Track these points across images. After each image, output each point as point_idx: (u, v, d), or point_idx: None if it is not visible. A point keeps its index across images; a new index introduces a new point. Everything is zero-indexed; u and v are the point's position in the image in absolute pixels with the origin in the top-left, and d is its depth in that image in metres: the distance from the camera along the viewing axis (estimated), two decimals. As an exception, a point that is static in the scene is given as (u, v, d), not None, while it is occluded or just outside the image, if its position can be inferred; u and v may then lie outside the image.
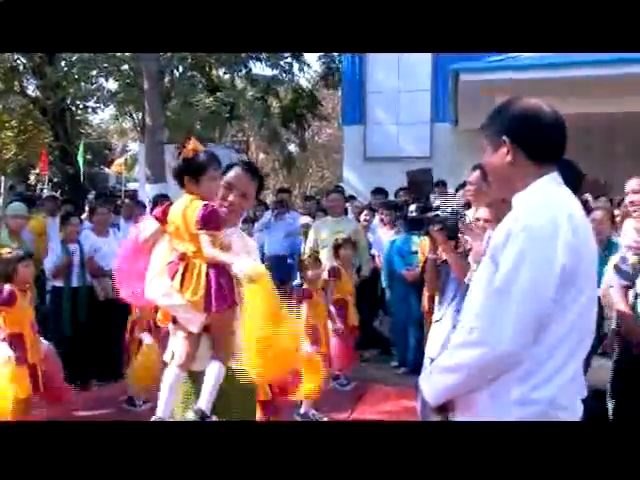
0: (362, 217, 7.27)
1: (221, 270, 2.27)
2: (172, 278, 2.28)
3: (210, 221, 2.26)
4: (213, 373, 2.28)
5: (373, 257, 6.78)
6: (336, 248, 5.46)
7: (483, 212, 2.97)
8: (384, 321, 7.05)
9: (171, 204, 2.40)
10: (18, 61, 16.30)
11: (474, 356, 1.62)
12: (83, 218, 6.51)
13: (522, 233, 1.60)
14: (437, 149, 12.78)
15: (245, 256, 2.35)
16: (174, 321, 2.36)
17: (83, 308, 5.57)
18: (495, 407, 1.63)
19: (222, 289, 2.26)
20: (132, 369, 4.47)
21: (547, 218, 1.61)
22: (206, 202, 2.30)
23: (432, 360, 3.18)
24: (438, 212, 3.20)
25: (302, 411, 4.59)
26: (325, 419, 4.61)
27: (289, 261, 7.38)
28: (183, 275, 2.26)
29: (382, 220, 7.16)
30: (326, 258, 5.52)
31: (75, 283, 5.59)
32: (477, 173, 3.58)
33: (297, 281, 5.74)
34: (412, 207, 5.24)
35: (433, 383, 1.76)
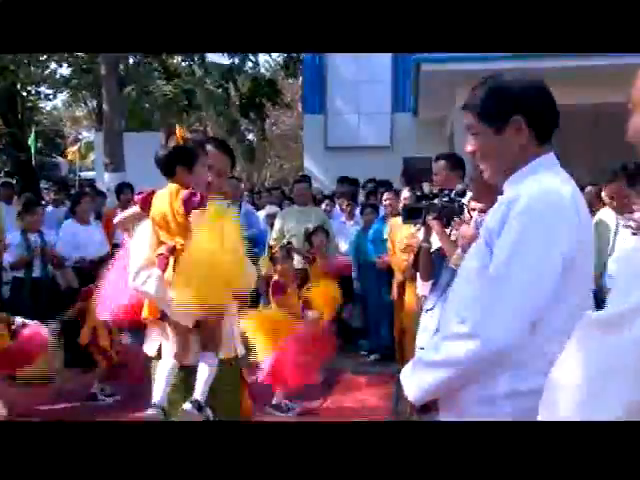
0: (322, 206, 7.28)
1: None
2: (163, 271, 2.20)
3: (193, 204, 2.18)
4: (207, 365, 2.23)
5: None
6: (308, 236, 5.43)
7: (475, 202, 2.98)
8: (351, 311, 7.05)
9: (152, 193, 2.31)
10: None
11: (465, 350, 1.47)
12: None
13: (521, 216, 1.47)
14: (397, 139, 12.88)
15: None
16: (163, 315, 2.29)
17: (44, 299, 5.40)
18: (482, 402, 1.50)
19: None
20: None
21: (549, 201, 1.48)
22: (189, 190, 2.21)
23: (423, 350, 3.19)
24: (435, 200, 3.14)
25: (274, 401, 4.56)
26: (298, 409, 4.60)
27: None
28: (174, 268, 2.18)
29: (342, 209, 7.19)
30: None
31: (36, 274, 5.41)
32: (442, 163, 3.64)
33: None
34: (405, 194, 5.24)
35: (417, 380, 1.58)
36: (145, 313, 2.29)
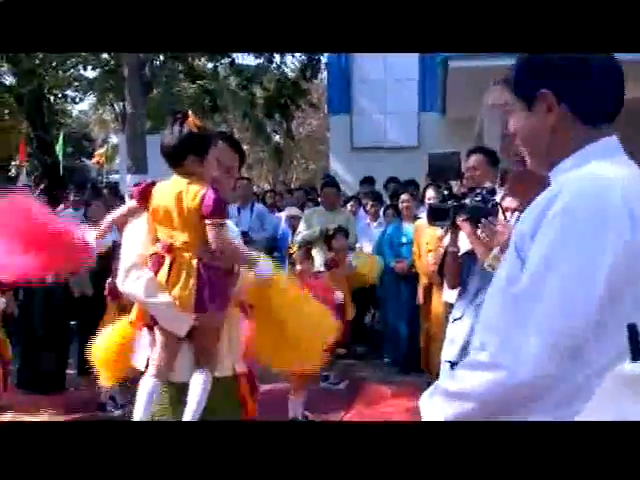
0: (348, 207, 7.04)
1: (214, 265, 2.01)
2: (156, 272, 2.00)
3: (218, 209, 1.97)
4: (199, 384, 2.00)
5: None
6: (328, 239, 5.19)
7: (511, 201, 2.71)
8: (375, 316, 6.82)
9: (152, 184, 2.08)
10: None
11: (485, 382, 1.20)
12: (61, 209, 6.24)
13: (559, 218, 1.17)
14: (425, 138, 12.57)
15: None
16: (153, 323, 2.07)
17: (58, 306, 5.25)
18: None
19: (215, 287, 2.00)
20: None
21: (596, 199, 1.18)
22: (208, 187, 2.01)
23: (451, 364, 2.93)
24: (464, 200, 2.83)
25: (291, 415, 4.30)
26: (317, 421, 4.36)
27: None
28: (170, 269, 1.97)
29: (366, 211, 6.96)
30: (316, 251, 5.27)
31: (50, 280, 5.25)
32: (479, 157, 3.34)
33: None
34: (430, 193, 4.97)
35: (435, 409, 1.34)
36: (132, 316, 2.09)
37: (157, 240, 2.04)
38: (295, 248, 4.66)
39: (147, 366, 2.10)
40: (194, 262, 1.99)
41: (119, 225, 2.27)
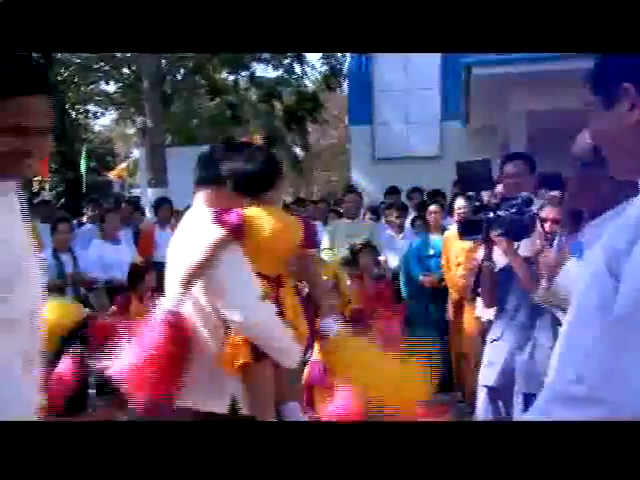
0: (366, 218, 6.87)
1: (304, 298, 2.02)
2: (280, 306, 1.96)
3: (314, 240, 1.97)
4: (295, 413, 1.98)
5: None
6: (354, 254, 4.98)
7: (550, 211, 2.51)
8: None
9: (242, 215, 1.94)
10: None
11: (584, 419, 1.04)
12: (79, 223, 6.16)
13: None
14: (448, 148, 12.35)
15: None
16: (258, 357, 1.92)
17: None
18: None
19: (311, 320, 2.03)
20: None
21: None
22: (302, 218, 2.05)
23: (488, 389, 2.72)
24: (497, 212, 2.63)
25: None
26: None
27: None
28: (283, 303, 1.93)
29: (390, 222, 6.71)
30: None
31: (68, 296, 5.15)
32: (518, 163, 3.12)
33: None
34: (460, 203, 4.75)
35: None
36: (242, 359, 1.91)
37: (259, 275, 1.94)
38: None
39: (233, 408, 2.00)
40: (296, 294, 1.99)
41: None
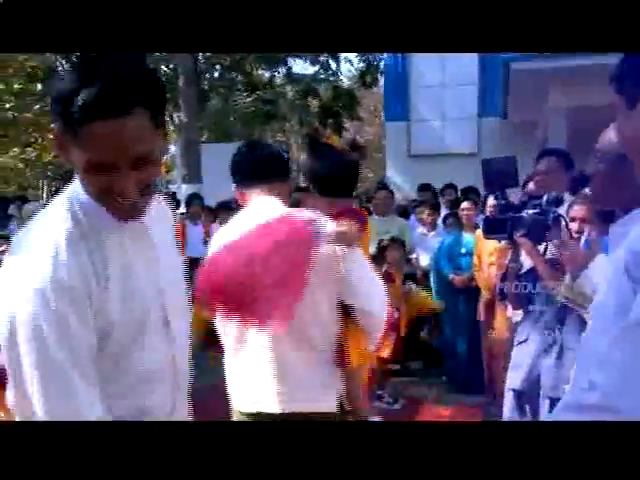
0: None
1: None
2: None
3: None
4: None
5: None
6: (381, 250, 4.91)
7: (579, 210, 2.41)
8: (430, 330, 6.48)
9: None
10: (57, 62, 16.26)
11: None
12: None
13: None
14: (485, 144, 12.12)
15: None
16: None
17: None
18: None
19: None
20: None
21: None
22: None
23: (514, 392, 2.64)
24: (524, 212, 2.51)
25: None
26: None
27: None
28: None
29: (422, 220, 6.58)
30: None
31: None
32: (551, 159, 3.03)
33: None
34: (491, 201, 4.66)
35: None
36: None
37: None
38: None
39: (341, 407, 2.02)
40: None
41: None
